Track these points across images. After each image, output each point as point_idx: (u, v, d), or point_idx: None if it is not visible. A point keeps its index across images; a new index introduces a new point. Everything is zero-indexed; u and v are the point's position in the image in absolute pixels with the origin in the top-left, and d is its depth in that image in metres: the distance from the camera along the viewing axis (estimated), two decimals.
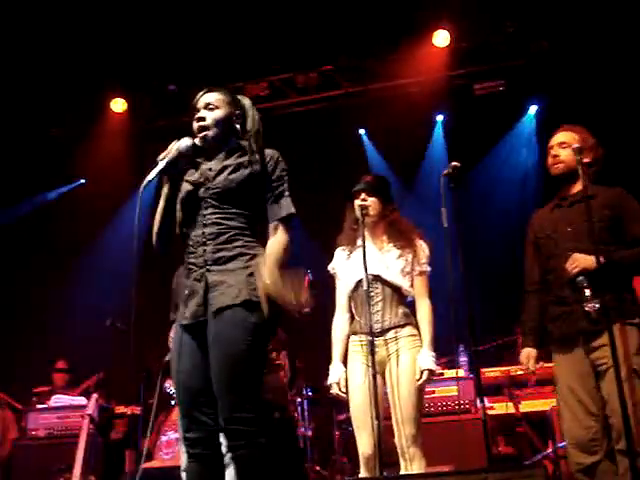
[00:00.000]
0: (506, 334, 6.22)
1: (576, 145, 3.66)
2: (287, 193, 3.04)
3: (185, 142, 2.99)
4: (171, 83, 7.87)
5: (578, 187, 3.73)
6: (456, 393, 5.24)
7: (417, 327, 3.83)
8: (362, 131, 8.37)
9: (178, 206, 3.05)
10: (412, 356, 3.74)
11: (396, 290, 3.85)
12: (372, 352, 3.63)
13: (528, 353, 3.83)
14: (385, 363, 3.79)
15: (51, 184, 8.65)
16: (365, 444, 3.69)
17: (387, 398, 3.79)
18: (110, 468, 5.94)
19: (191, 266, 2.97)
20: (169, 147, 2.98)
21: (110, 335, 5.91)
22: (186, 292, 2.96)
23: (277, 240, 2.97)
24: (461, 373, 5.42)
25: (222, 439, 2.90)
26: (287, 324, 4.87)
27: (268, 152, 3.06)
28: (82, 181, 8.80)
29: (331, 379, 3.87)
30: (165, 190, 3.04)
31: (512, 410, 5.49)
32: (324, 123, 7.86)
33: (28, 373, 7.30)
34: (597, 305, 3.43)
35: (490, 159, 7.75)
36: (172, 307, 4.73)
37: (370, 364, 3.62)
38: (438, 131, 8.16)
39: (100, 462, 5.80)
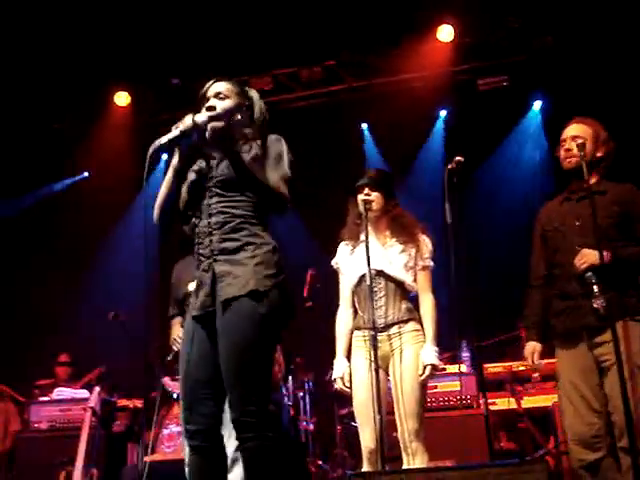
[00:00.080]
0: (508, 330, 6.23)
1: (580, 141, 3.65)
2: (284, 172, 2.99)
3: (202, 116, 2.92)
4: (175, 77, 7.86)
5: (590, 181, 3.68)
6: (458, 388, 5.25)
7: (420, 322, 3.84)
8: (364, 126, 8.37)
9: (184, 188, 3.05)
10: (415, 351, 3.74)
11: (399, 285, 3.85)
12: (375, 347, 3.63)
13: (533, 347, 3.81)
14: (388, 358, 3.79)
15: (55, 177, 8.66)
16: (368, 439, 3.70)
17: (390, 393, 3.79)
18: (112, 461, 5.95)
19: (199, 257, 2.96)
20: (185, 118, 2.92)
21: (113, 328, 5.92)
22: (196, 283, 2.96)
23: None
24: (463, 368, 5.44)
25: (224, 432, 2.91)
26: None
27: (270, 137, 3.05)
28: (86, 174, 8.80)
29: (335, 374, 3.89)
30: (174, 162, 3.01)
31: (514, 406, 5.49)
32: (328, 118, 7.85)
33: (31, 366, 7.32)
34: (606, 302, 3.42)
35: (495, 156, 7.73)
36: (171, 302, 4.72)
37: (373, 359, 3.63)
38: (439, 126, 8.15)
39: (102, 455, 5.81)
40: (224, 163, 2.99)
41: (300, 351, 6.27)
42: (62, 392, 6.39)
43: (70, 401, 6.20)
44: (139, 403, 6.34)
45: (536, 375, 5.48)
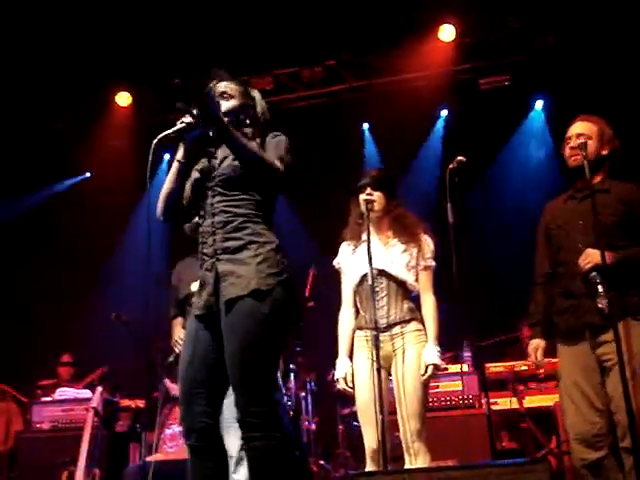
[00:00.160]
0: (510, 330, 6.23)
1: (580, 141, 3.63)
2: (280, 153, 2.99)
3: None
4: (176, 77, 7.84)
5: (595, 180, 3.68)
6: (460, 388, 5.25)
7: (422, 322, 3.84)
8: (366, 126, 8.37)
9: (187, 186, 3.06)
10: (417, 351, 3.75)
11: (401, 285, 3.85)
12: (377, 346, 3.63)
13: (537, 344, 3.79)
14: (391, 358, 3.79)
15: (56, 178, 8.66)
16: (371, 439, 3.70)
17: (392, 393, 3.80)
18: (114, 461, 5.95)
19: (203, 256, 2.97)
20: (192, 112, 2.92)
21: (115, 328, 5.92)
22: (199, 282, 2.97)
23: None
24: (465, 368, 5.43)
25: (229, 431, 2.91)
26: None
27: (270, 134, 3.07)
28: (87, 175, 8.81)
29: (337, 374, 3.89)
30: (178, 156, 3.02)
31: (516, 405, 5.48)
32: (329, 117, 7.85)
33: (33, 366, 7.32)
34: (609, 302, 3.41)
35: (500, 156, 7.72)
36: (172, 302, 4.73)
37: (375, 359, 3.63)
38: (439, 126, 8.14)
39: (104, 455, 5.80)
40: (226, 162, 3.00)
41: (302, 351, 6.26)
42: (64, 392, 6.39)
43: (72, 401, 6.20)
44: (141, 403, 6.35)
45: (541, 371, 5.45)
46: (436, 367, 3.71)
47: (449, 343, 4.97)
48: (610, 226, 3.56)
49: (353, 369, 3.86)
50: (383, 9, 6.98)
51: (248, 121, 3.11)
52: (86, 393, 6.30)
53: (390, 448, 3.62)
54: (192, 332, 2.95)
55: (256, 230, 2.92)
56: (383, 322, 3.78)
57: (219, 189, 2.98)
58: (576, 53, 7.00)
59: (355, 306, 3.97)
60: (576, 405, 3.59)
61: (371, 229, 3.85)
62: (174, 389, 5.13)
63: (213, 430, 2.88)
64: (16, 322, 7.77)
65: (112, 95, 8.05)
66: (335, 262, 4.07)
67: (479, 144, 6.99)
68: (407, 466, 3.65)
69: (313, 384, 6.33)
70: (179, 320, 4.63)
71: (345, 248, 4.04)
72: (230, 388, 2.84)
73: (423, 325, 3.83)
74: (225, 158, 3.02)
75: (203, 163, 3.09)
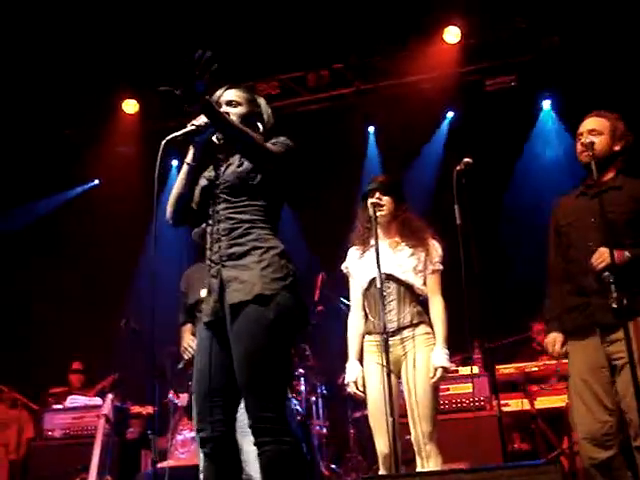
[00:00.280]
0: (520, 331, 6.21)
1: (588, 141, 3.61)
2: (280, 145, 3.00)
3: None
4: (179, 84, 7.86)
5: (607, 176, 3.66)
6: (471, 390, 5.23)
7: (431, 325, 3.83)
8: (371, 129, 8.36)
9: (197, 192, 3.07)
10: (427, 355, 3.74)
11: (409, 288, 3.85)
12: (386, 350, 3.62)
13: (554, 338, 3.73)
14: (400, 362, 3.79)
15: (65, 185, 8.69)
16: (383, 445, 3.70)
17: (403, 396, 3.79)
18: (126, 468, 5.96)
19: (210, 263, 2.98)
20: (200, 116, 2.93)
21: (125, 336, 5.93)
22: (207, 289, 2.98)
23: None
24: (476, 370, 5.41)
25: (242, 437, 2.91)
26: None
27: (274, 138, 3.07)
28: (96, 182, 8.84)
29: (348, 378, 3.89)
30: (187, 159, 3.03)
31: (527, 407, 5.47)
32: (335, 121, 7.85)
33: (44, 374, 7.34)
34: (624, 301, 3.38)
35: (512, 157, 7.68)
36: (180, 309, 4.72)
37: (385, 363, 3.62)
38: (444, 127, 8.13)
39: (116, 462, 5.81)
40: (230, 169, 3.01)
41: (312, 355, 6.26)
42: (75, 400, 6.41)
43: (83, 409, 6.22)
44: (152, 410, 6.35)
45: (558, 370, 5.39)
46: (445, 370, 3.71)
47: (459, 345, 4.95)
48: (621, 224, 3.53)
49: (363, 373, 3.86)
50: (388, 12, 6.98)
51: (257, 127, 3.11)
52: (97, 400, 6.31)
53: (402, 451, 3.61)
54: (204, 341, 2.96)
55: (261, 236, 2.93)
56: (392, 326, 3.77)
57: (224, 196, 2.99)
58: (582, 52, 6.98)
59: (364, 310, 3.97)
60: (586, 404, 3.55)
61: (379, 233, 3.85)
62: (180, 399, 5.15)
63: (228, 437, 2.89)
64: (26, 330, 7.79)
65: (119, 102, 8.08)
66: (343, 266, 4.07)
67: (484, 145, 6.98)
68: (419, 469, 3.65)
69: (324, 388, 6.32)
70: (188, 326, 4.62)
71: (353, 253, 4.04)
72: None
73: (432, 328, 3.82)
74: (229, 165, 3.03)
75: (210, 170, 3.10)
